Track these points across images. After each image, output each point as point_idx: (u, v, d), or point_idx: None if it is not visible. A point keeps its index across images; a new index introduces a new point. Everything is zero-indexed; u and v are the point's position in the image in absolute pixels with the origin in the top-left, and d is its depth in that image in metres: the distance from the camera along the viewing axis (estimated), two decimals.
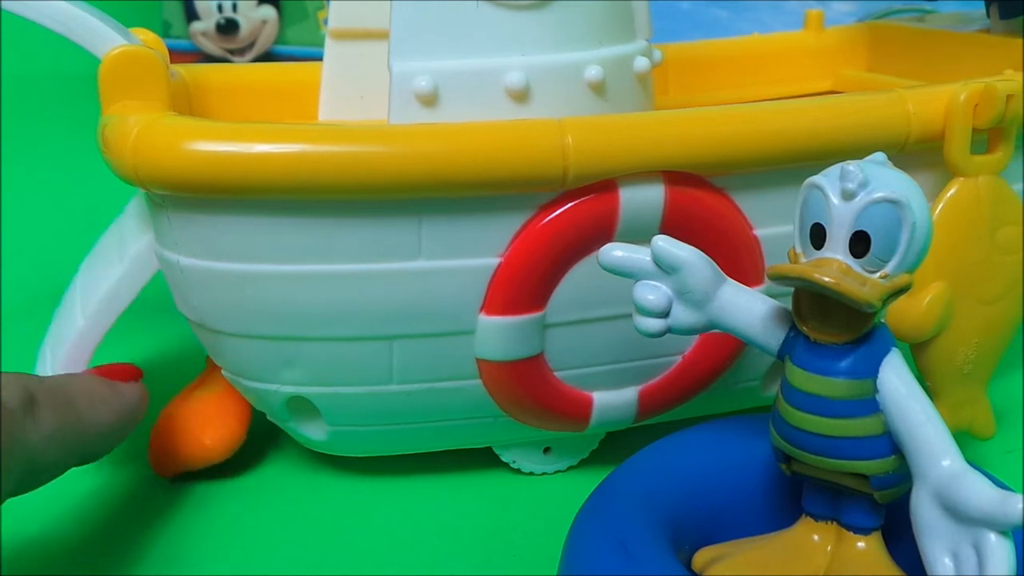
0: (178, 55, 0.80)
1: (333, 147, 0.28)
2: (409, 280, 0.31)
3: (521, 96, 0.32)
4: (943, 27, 0.46)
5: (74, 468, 0.29)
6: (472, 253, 0.31)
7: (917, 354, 0.34)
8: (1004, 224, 0.34)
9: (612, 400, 0.34)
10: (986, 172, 0.33)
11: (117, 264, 0.33)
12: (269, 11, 0.82)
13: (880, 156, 0.26)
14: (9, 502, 0.26)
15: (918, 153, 0.33)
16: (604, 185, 0.31)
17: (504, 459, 0.37)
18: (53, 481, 0.28)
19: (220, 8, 0.82)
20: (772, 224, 0.33)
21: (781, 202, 0.33)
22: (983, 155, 0.33)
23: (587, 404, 0.34)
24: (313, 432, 0.35)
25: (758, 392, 0.37)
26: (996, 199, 0.34)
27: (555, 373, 0.33)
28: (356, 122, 0.39)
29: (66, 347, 0.34)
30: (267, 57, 0.83)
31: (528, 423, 0.34)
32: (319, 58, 0.40)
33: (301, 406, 0.34)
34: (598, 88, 0.32)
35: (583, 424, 0.35)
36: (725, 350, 0.34)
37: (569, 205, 0.31)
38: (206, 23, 0.82)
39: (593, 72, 0.32)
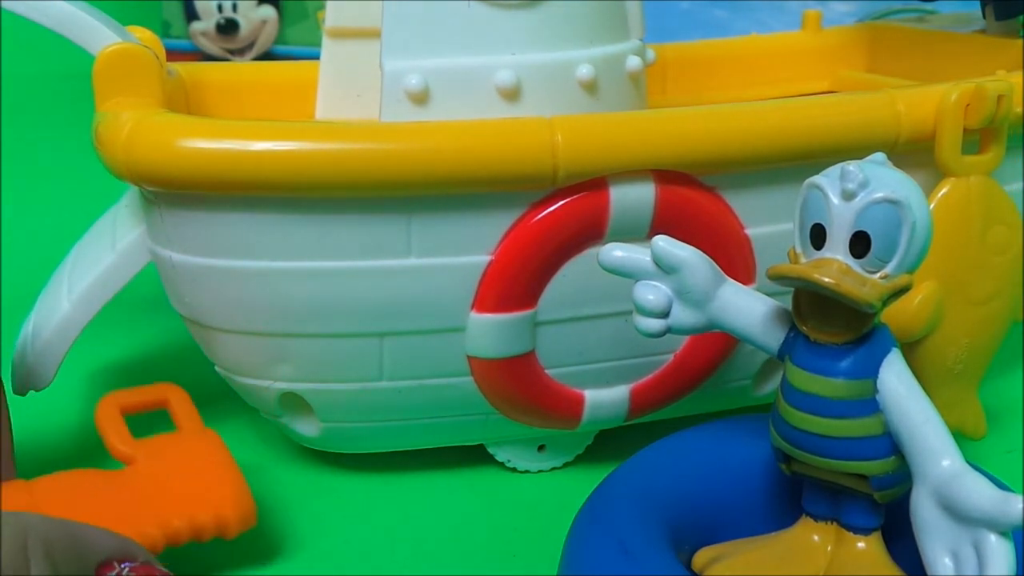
0: (178, 55, 0.80)
1: (323, 144, 0.28)
2: (399, 277, 0.31)
3: (512, 95, 0.32)
4: (942, 28, 0.46)
5: None
6: (463, 250, 0.31)
7: (907, 354, 0.34)
8: (995, 224, 0.34)
9: (603, 398, 0.35)
10: (977, 172, 0.33)
11: (108, 253, 0.33)
12: (269, 11, 0.82)
13: (880, 156, 0.26)
14: None
15: (909, 153, 0.33)
16: (595, 183, 0.31)
17: (499, 458, 0.37)
18: None
19: (220, 8, 0.82)
20: (763, 223, 0.33)
21: (772, 201, 0.33)
22: (974, 155, 0.33)
23: (578, 402, 0.34)
24: (306, 428, 0.35)
25: (749, 391, 0.37)
26: (987, 199, 0.34)
27: (546, 371, 0.33)
28: (348, 120, 0.39)
29: (49, 330, 0.34)
30: (267, 57, 0.83)
31: (520, 420, 0.35)
32: (319, 58, 0.40)
33: (294, 402, 0.34)
34: (589, 87, 0.33)
35: (575, 422, 0.35)
36: (716, 349, 0.34)
37: (560, 203, 0.31)
38: (206, 23, 0.82)
39: (584, 71, 0.32)
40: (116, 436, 0.32)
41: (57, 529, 0.23)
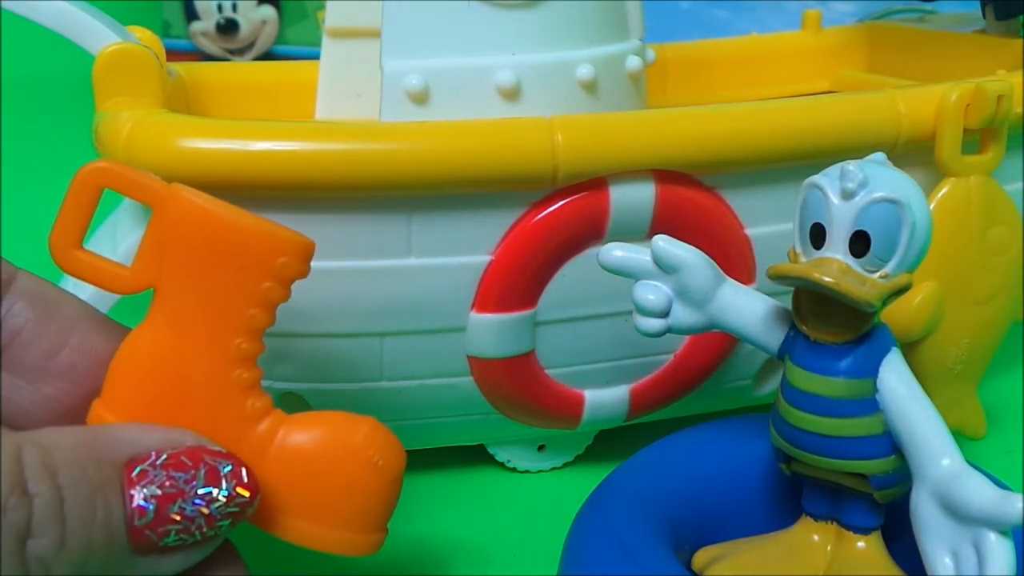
0: (178, 55, 0.80)
1: (323, 144, 0.28)
2: (400, 277, 0.31)
3: (512, 95, 0.32)
4: (942, 28, 0.46)
5: None
6: (463, 250, 0.31)
7: (907, 354, 0.34)
8: (995, 224, 0.34)
9: (604, 398, 0.35)
10: (977, 172, 0.33)
11: (110, 258, 0.33)
12: (269, 11, 0.82)
13: (880, 156, 0.26)
14: None
15: (909, 153, 0.33)
16: (595, 183, 0.31)
17: (499, 458, 0.37)
18: None
19: (220, 8, 0.82)
20: (763, 223, 0.33)
21: (772, 201, 0.33)
22: (974, 155, 0.33)
23: (578, 402, 0.34)
24: None
25: (750, 391, 0.37)
26: (987, 199, 0.34)
27: (546, 371, 0.33)
28: (348, 120, 0.39)
29: None
30: (267, 57, 0.83)
31: (520, 420, 0.35)
32: (319, 58, 0.40)
33: (294, 403, 0.34)
34: (589, 87, 0.33)
35: (575, 422, 0.35)
36: (716, 349, 0.34)
37: (560, 203, 0.31)
38: (206, 23, 0.82)
39: (584, 71, 0.32)
40: (97, 265, 0.26)
41: (64, 437, 0.22)
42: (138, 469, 0.23)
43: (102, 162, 0.25)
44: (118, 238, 0.34)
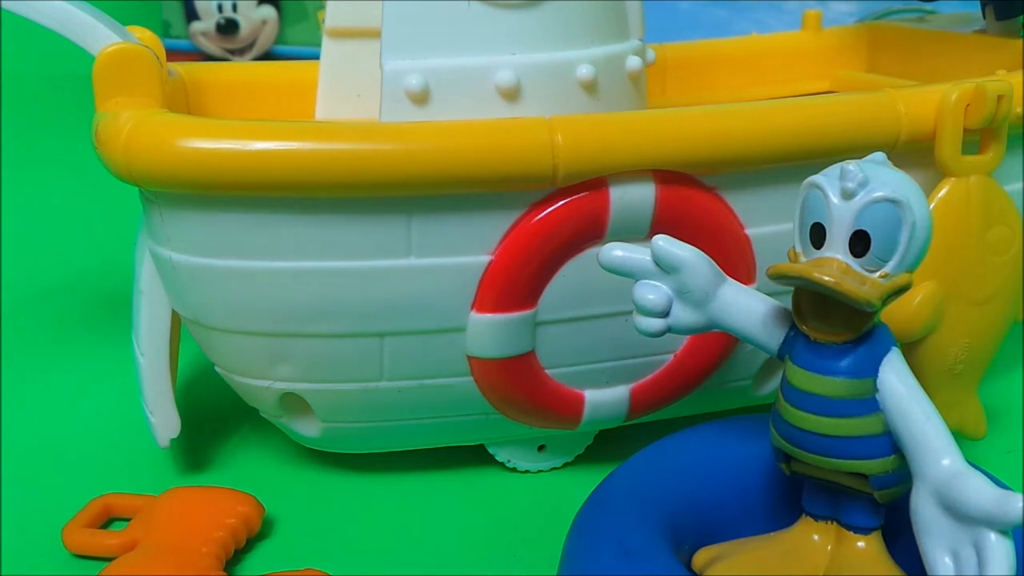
0: (178, 55, 0.81)
1: (323, 144, 0.29)
2: (400, 277, 0.31)
3: (512, 94, 0.32)
4: (942, 28, 0.46)
5: None
6: (463, 251, 0.31)
7: (907, 354, 0.34)
8: (995, 224, 0.34)
9: (603, 398, 0.35)
10: (977, 172, 0.33)
11: (141, 297, 0.34)
12: (269, 11, 0.83)
13: (880, 156, 0.26)
14: None
15: (909, 153, 0.33)
16: (595, 183, 0.31)
17: (499, 458, 0.37)
18: None
19: (220, 8, 0.82)
20: (763, 223, 0.33)
21: (772, 201, 0.33)
22: (974, 155, 0.33)
23: (578, 402, 0.34)
24: (306, 429, 0.35)
25: (750, 391, 0.37)
26: (987, 199, 0.34)
27: (546, 371, 0.33)
28: (348, 120, 0.39)
29: (144, 386, 0.35)
30: (267, 57, 0.83)
31: (520, 421, 0.35)
32: (319, 58, 0.40)
33: (294, 402, 0.34)
34: (589, 87, 0.33)
35: (575, 422, 0.35)
36: (716, 349, 0.34)
37: (560, 203, 0.31)
38: (206, 23, 0.82)
39: (584, 71, 0.32)
40: (101, 539, 0.32)
41: None
42: None
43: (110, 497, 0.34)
44: (139, 273, 0.34)
